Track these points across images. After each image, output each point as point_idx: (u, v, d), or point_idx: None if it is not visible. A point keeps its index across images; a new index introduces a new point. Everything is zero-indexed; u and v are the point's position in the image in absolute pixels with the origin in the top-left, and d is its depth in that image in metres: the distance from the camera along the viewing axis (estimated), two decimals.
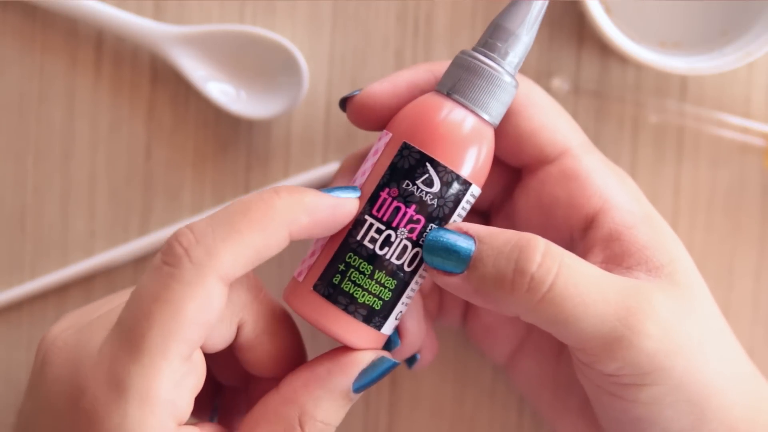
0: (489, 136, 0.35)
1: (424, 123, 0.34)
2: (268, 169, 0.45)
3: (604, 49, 0.44)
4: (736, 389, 0.35)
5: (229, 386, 0.39)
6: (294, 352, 0.36)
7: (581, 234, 0.36)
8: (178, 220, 0.45)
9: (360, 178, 0.35)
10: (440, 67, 0.36)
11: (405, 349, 0.38)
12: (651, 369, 0.33)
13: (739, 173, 0.45)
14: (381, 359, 0.34)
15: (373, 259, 0.34)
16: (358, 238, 0.34)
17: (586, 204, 0.36)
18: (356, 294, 0.34)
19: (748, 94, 0.45)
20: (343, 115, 0.44)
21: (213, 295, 0.31)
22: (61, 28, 0.45)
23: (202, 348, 0.33)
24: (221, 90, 0.44)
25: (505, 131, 0.37)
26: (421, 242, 0.34)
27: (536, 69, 0.44)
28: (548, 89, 0.43)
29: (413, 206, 0.34)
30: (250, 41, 0.43)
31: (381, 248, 0.34)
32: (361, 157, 0.38)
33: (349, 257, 0.34)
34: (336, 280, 0.34)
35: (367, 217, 0.34)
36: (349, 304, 0.34)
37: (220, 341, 0.34)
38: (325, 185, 0.44)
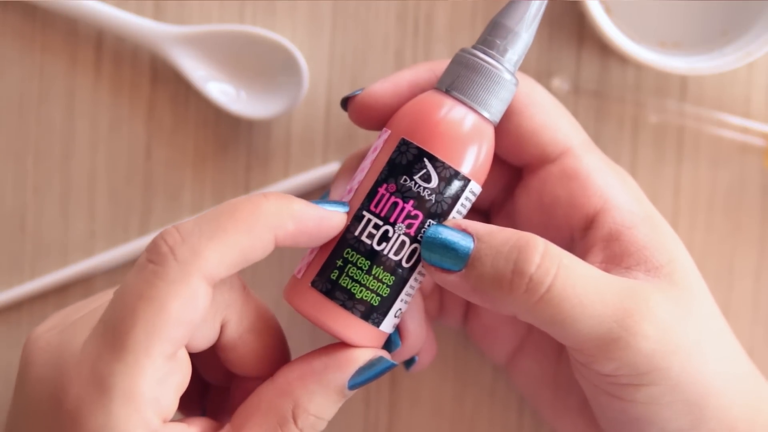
0: (488, 133, 0.35)
1: (423, 120, 0.34)
2: (268, 169, 0.45)
3: (604, 49, 0.44)
4: (734, 389, 0.35)
5: (215, 385, 0.39)
6: (277, 351, 0.36)
7: (581, 233, 0.36)
8: (178, 220, 0.45)
9: (359, 174, 0.35)
10: (441, 66, 0.36)
11: (405, 351, 0.38)
12: (648, 369, 0.33)
13: (739, 173, 0.45)
14: (379, 359, 0.34)
15: (371, 254, 0.34)
16: (356, 233, 0.34)
17: (587, 203, 0.36)
18: (354, 290, 0.34)
19: (748, 94, 0.45)
20: (344, 115, 0.44)
21: (198, 294, 0.30)
22: (61, 28, 0.45)
23: (186, 347, 0.33)
24: (221, 90, 0.44)
25: (506, 130, 0.37)
26: (419, 238, 0.34)
27: (536, 69, 0.44)
28: (548, 89, 0.43)
29: (411, 201, 0.34)
30: (250, 41, 0.43)
31: (379, 244, 0.34)
32: (362, 157, 0.38)
33: (347, 253, 0.34)
34: (334, 275, 0.34)
35: (365, 212, 0.34)
36: (347, 300, 0.34)
37: (203, 341, 0.33)
38: (325, 185, 0.44)
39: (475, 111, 0.34)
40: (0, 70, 0.45)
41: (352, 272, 0.34)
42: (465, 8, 0.44)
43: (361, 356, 0.34)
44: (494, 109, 0.35)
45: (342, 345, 0.34)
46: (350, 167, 0.38)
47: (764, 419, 0.35)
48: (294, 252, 0.45)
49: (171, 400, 0.31)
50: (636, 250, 0.34)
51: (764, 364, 0.41)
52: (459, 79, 0.34)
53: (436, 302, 0.42)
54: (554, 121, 0.37)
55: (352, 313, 0.34)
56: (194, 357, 0.35)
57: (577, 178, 0.36)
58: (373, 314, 0.34)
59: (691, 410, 0.34)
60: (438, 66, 0.37)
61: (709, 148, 0.45)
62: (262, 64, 0.44)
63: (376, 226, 0.34)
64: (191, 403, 0.39)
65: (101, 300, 0.35)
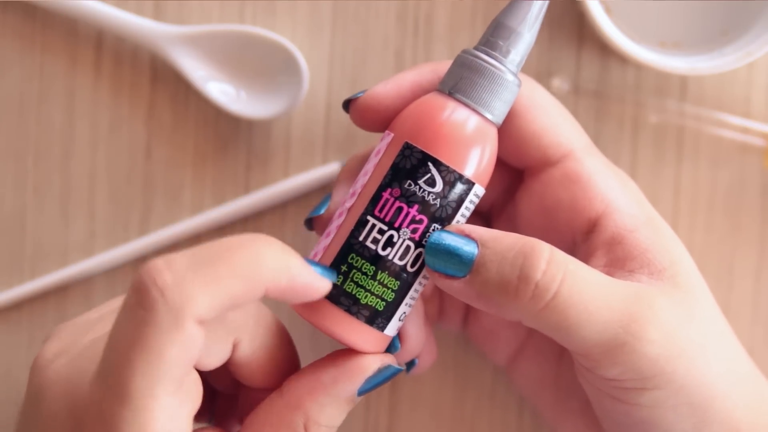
0: (492, 135, 0.34)
1: (426, 122, 0.34)
2: (268, 169, 0.45)
3: (604, 49, 0.44)
4: (738, 391, 0.35)
5: (224, 392, 0.39)
6: (287, 363, 0.36)
7: (584, 237, 0.36)
8: (178, 219, 0.45)
9: (362, 178, 0.35)
10: (444, 67, 0.36)
11: (405, 354, 0.38)
12: (653, 373, 0.33)
13: (739, 173, 0.45)
14: (387, 366, 0.34)
15: (375, 259, 0.33)
16: (361, 238, 0.34)
17: (589, 207, 0.36)
18: (359, 295, 0.34)
19: (748, 94, 0.45)
20: (344, 115, 0.44)
21: (193, 337, 0.29)
22: (61, 28, 0.45)
23: (196, 366, 0.32)
24: (221, 90, 0.44)
25: (508, 132, 0.36)
26: (424, 242, 0.34)
27: (536, 69, 0.44)
28: (548, 89, 0.43)
29: (416, 206, 0.33)
30: (250, 41, 0.43)
31: (383, 249, 0.33)
32: (364, 159, 0.38)
33: (352, 258, 0.34)
34: (338, 281, 0.34)
35: (369, 217, 0.34)
36: (351, 305, 0.34)
37: (215, 360, 0.33)
38: (325, 185, 0.44)
39: (479, 113, 0.34)
40: (0, 70, 0.45)
41: (356, 277, 0.33)
42: (465, 8, 0.44)
43: (370, 366, 0.34)
44: (497, 111, 0.34)
45: (348, 353, 0.34)
46: (351, 169, 0.38)
47: (767, 421, 0.35)
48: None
49: (185, 428, 0.31)
50: (639, 253, 0.34)
51: (764, 364, 0.41)
52: (462, 81, 0.34)
53: (436, 306, 0.42)
54: (556, 124, 0.36)
55: (357, 318, 0.34)
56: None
57: (580, 181, 0.36)
58: (378, 319, 0.34)
59: (696, 413, 0.34)
60: (441, 67, 0.37)
61: (709, 148, 0.45)
62: (262, 64, 0.44)
63: (381, 231, 0.33)
64: (200, 410, 0.38)
65: (106, 310, 0.35)
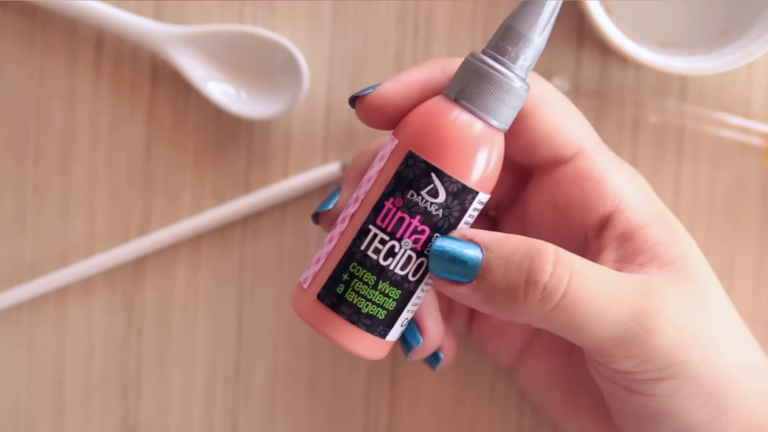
0: (498, 141, 0.34)
1: (430, 131, 0.33)
2: (268, 169, 0.45)
3: (604, 49, 0.44)
4: (752, 379, 0.35)
5: None
6: None
7: (595, 233, 0.36)
8: (178, 219, 0.45)
9: (365, 184, 0.35)
10: (453, 65, 0.35)
11: (427, 347, 0.38)
12: (667, 364, 0.33)
13: (739, 173, 0.45)
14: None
15: (377, 269, 0.33)
16: (362, 247, 0.33)
17: (601, 204, 0.36)
18: (360, 304, 0.33)
19: (748, 94, 0.45)
20: (344, 116, 0.44)
21: None
22: (61, 28, 0.45)
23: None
24: (221, 90, 0.44)
25: (517, 132, 0.36)
26: (426, 252, 0.33)
27: (536, 69, 0.44)
28: None
29: (418, 217, 0.33)
30: (250, 41, 0.43)
31: (385, 259, 0.33)
32: (371, 154, 0.38)
33: (353, 267, 0.33)
34: (340, 290, 0.34)
35: (371, 227, 0.33)
36: (352, 314, 0.34)
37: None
38: (325, 185, 0.44)
39: (485, 121, 0.33)
40: (0, 70, 0.45)
41: (358, 287, 0.33)
42: (465, 8, 0.44)
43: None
44: (504, 117, 0.34)
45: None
46: (359, 166, 0.38)
47: None
48: (293, 253, 0.45)
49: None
50: (649, 247, 0.35)
51: None
52: (469, 87, 0.33)
53: (445, 304, 0.41)
54: (567, 123, 0.36)
55: (358, 327, 0.34)
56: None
57: (591, 179, 0.36)
58: (379, 327, 0.34)
59: (711, 401, 0.34)
60: (449, 66, 0.36)
61: (709, 148, 0.45)
62: (262, 64, 0.44)
63: (383, 241, 0.33)
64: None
65: None
